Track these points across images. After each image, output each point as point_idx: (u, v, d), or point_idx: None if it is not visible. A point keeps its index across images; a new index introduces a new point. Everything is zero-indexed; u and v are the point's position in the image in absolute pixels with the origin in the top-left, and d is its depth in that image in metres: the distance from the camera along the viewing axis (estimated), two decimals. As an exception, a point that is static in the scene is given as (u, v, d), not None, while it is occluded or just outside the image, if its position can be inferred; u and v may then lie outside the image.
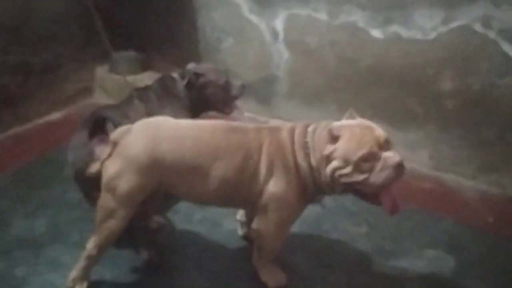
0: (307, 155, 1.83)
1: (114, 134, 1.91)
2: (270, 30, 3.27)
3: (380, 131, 1.81)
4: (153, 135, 1.87)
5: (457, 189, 2.81)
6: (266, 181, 1.86)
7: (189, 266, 2.24)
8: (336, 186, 1.81)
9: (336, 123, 1.85)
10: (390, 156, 1.76)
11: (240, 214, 2.36)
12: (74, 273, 2.02)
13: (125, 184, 1.85)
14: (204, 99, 2.62)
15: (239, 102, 2.77)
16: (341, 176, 1.76)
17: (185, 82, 2.57)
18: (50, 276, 2.12)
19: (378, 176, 1.74)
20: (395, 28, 2.81)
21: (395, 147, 3.03)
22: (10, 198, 2.62)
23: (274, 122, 2.04)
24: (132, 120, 2.27)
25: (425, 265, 2.28)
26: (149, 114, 2.39)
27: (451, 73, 2.72)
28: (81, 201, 2.56)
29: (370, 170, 1.74)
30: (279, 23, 3.23)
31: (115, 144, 1.88)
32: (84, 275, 2.03)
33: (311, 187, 1.87)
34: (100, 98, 3.82)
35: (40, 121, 3.45)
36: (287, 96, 3.38)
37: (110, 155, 1.88)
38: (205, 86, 2.61)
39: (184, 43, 3.69)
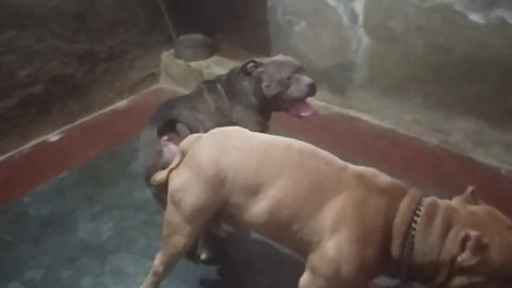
0: (408, 248, 1.41)
1: (184, 143, 1.74)
2: (349, 12, 2.94)
3: None
4: (221, 144, 1.66)
5: None
6: (328, 236, 1.46)
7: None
8: None
9: (467, 214, 1.40)
10: None
11: None
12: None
13: (190, 197, 1.66)
14: (261, 94, 2.24)
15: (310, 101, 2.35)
16: None
17: (240, 69, 2.24)
18: (116, 288, 2.03)
19: None
20: (499, 12, 2.41)
21: (492, 146, 2.70)
22: (76, 197, 2.56)
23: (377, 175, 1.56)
24: (201, 113, 2.12)
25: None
26: (218, 108, 2.20)
27: None
28: (148, 202, 2.49)
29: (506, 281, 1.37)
30: (359, 5, 2.89)
31: (183, 153, 1.72)
32: None
33: (393, 275, 1.50)
34: (166, 84, 3.70)
35: (106, 110, 3.38)
36: (364, 85, 3.07)
37: (178, 164, 1.72)
38: (260, 78, 2.22)
39: (253, 26, 3.43)
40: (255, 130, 1.82)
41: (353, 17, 2.92)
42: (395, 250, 1.43)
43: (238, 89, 2.26)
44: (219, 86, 2.28)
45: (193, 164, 1.67)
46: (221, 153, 1.63)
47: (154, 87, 3.68)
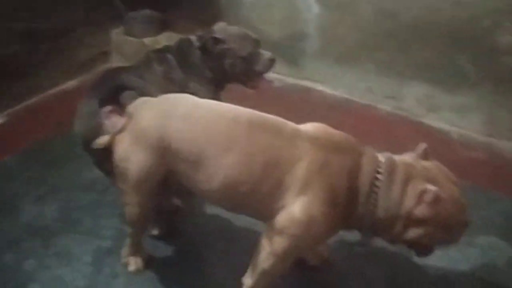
0: (372, 205, 1.47)
1: (131, 107, 1.68)
2: (298, -20, 2.89)
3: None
4: (166, 110, 1.61)
5: (514, 159, 2.47)
6: (293, 200, 1.46)
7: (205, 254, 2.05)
8: (403, 242, 1.53)
9: (422, 170, 1.49)
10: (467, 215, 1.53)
11: None
12: (124, 250, 1.97)
13: (133, 166, 1.63)
14: (222, 70, 2.22)
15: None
16: (425, 238, 1.48)
17: (198, 46, 2.19)
18: (60, 271, 1.97)
19: (456, 236, 1.54)
20: (445, -26, 2.39)
21: (443, 110, 2.72)
22: (21, 180, 2.46)
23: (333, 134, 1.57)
24: (149, 85, 2.02)
25: (477, 254, 2.00)
26: (169, 79, 2.13)
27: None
28: (96, 181, 2.43)
29: (454, 230, 1.52)
30: (307, -28, 2.84)
31: (130, 117, 1.66)
32: (136, 251, 1.95)
33: (354, 229, 1.57)
34: (117, 63, 3.59)
35: (54, 91, 3.24)
36: (317, 55, 3.03)
37: (123, 129, 1.66)
38: (223, 55, 2.18)
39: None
40: None
41: (302, -15, 2.87)
42: (360, 207, 1.48)
43: (193, 62, 2.19)
44: (169, 56, 2.20)
45: (136, 129, 1.63)
46: (165, 120, 1.58)
47: (105, 66, 3.52)
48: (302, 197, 1.45)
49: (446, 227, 1.47)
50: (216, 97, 2.20)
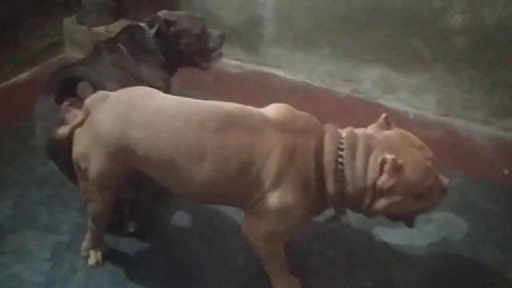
0: (340, 181, 1.48)
1: (88, 101, 1.61)
2: (252, -36, 2.86)
3: (427, 148, 1.54)
4: (126, 115, 1.54)
5: (468, 137, 2.54)
6: (270, 191, 1.48)
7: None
8: (376, 213, 1.53)
9: (383, 140, 1.49)
10: (443, 179, 1.54)
11: None
12: (84, 244, 1.93)
13: (93, 167, 1.60)
14: (177, 52, 2.23)
15: (217, 55, 2.40)
16: (396, 208, 1.49)
17: (153, 31, 2.18)
18: (17, 268, 1.90)
19: (433, 202, 1.54)
20: (395, -46, 2.41)
21: (399, 91, 2.76)
22: (-30, 177, 2.37)
23: (298, 115, 1.57)
24: (101, 75, 1.93)
25: (434, 230, 2.05)
26: (121, 67, 2.08)
27: (462, 6, 2.37)
28: (51, 175, 2.36)
29: (427, 197, 1.50)
30: (262, -44, 2.81)
31: (88, 113, 1.60)
32: (96, 245, 1.92)
33: (331, 207, 1.59)
34: (71, 53, 3.48)
35: (6, 83, 3.11)
36: (275, 40, 3.02)
37: (81, 123, 1.61)
38: (178, 36, 2.20)
39: (158, -15, 3.27)
40: (161, 88, 1.80)
41: (257, -31, 2.85)
42: (329, 186, 1.49)
43: (146, 48, 2.18)
44: (119, 45, 2.17)
45: (94, 133, 1.57)
46: (126, 127, 1.52)
47: (59, 56, 3.42)
48: (277, 187, 1.47)
49: (416, 194, 1.46)
50: (168, 82, 2.25)
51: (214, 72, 2.67)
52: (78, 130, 1.62)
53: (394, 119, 2.62)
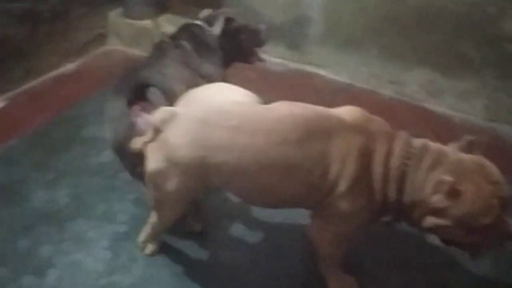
0: (400, 190, 1.48)
1: (156, 118, 1.57)
2: (302, -37, 2.88)
3: (505, 186, 1.43)
4: (204, 138, 1.50)
5: (516, 143, 2.54)
6: (343, 195, 1.49)
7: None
8: (425, 230, 1.54)
9: (454, 160, 1.46)
10: (509, 224, 1.43)
11: None
12: (142, 236, 1.93)
13: (169, 184, 1.58)
14: (236, 48, 2.30)
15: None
16: (444, 232, 1.48)
17: (218, 30, 2.23)
18: (77, 255, 1.96)
19: (490, 243, 1.48)
20: (452, -41, 2.42)
21: (445, 95, 2.76)
22: (27, 165, 2.42)
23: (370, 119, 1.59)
24: (170, 74, 1.96)
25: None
26: (186, 63, 2.10)
27: (517, 13, 2.37)
28: (104, 166, 2.42)
29: (482, 234, 1.44)
30: (312, -45, 2.84)
31: (157, 131, 1.57)
32: (153, 239, 1.93)
33: (388, 214, 1.59)
34: (115, 45, 3.54)
35: (53, 74, 3.19)
36: (320, 40, 3.05)
37: (152, 139, 1.58)
38: (238, 32, 2.29)
39: (204, -19, 3.30)
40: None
41: (307, -32, 2.87)
42: (390, 192, 1.50)
43: (208, 45, 2.22)
44: (183, 42, 2.19)
45: (171, 157, 1.53)
46: (205, 152, 1.49)
47: (103, 48, 3.50)
48: (351, 191, 1.48)
49: (467, 226, 1.41)
50: (224, 78, 2.26)
51: (258, 69, 2.71)
52: (150, 146, 1.59)
53: (439, 123, 2.71)
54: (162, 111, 1.58)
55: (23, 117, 2.77)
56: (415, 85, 2.81)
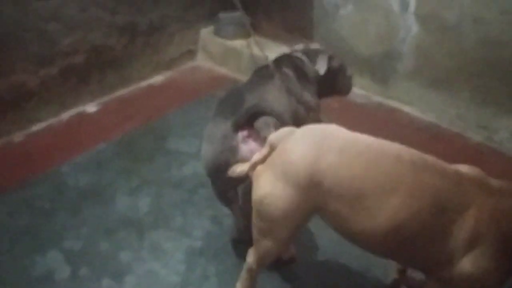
0: None
1: (274, 136, 1.55)
2: (399, -2, 2.86)
3: None
4: (320, 142, 1.47)
5: None
6: (463, 254, 1.39)
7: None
8: None
9: None
10: None
11: None
12: (239, 285, 1.81)
13: (279, 202, 1.49)
14: (333, 84, 2.39)
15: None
16: None
17: (324, 69, 2.29)
18: (154, 264, 2.03)
19: None
20: None
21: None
22: (114, 170, 2.54)
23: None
24: (279, 102, 1.98)
25: None
26: (289, 91, 2.12)
27: None
28: (185, 179, 2.50)
29: None
30: (411, -8, 2.80)
31: (272, 147, 1.54)
32: (250, 286, 1.81)
33: None
34: (203, 62, 3.66)
35: (143, 84, 3.35)
36: (409, 76, 2.99)
37: (263, 160, 1.55)
38: (335, 72, 2.37)
39: (296, 7, 3.36)
40: (316, 112, 2.06)
41: (404, 3, 2.84)
42: None
43: (307, 76, 2.30)
44: (287, 70, 2.25)
45: (283, 162, 1.49)
46: (318, 155, 1.44)
47: (191, 64, 3.64)
48: (473, 250, 1.38)
49: None
50: (320, 108, 2.35)
51: (341, 99, 2.70)
52: (259, 169, 1.55)
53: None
54: (280, 130, 1.58)
55: (112, 123, 2.93)
56: (506, 132, 2.68)
